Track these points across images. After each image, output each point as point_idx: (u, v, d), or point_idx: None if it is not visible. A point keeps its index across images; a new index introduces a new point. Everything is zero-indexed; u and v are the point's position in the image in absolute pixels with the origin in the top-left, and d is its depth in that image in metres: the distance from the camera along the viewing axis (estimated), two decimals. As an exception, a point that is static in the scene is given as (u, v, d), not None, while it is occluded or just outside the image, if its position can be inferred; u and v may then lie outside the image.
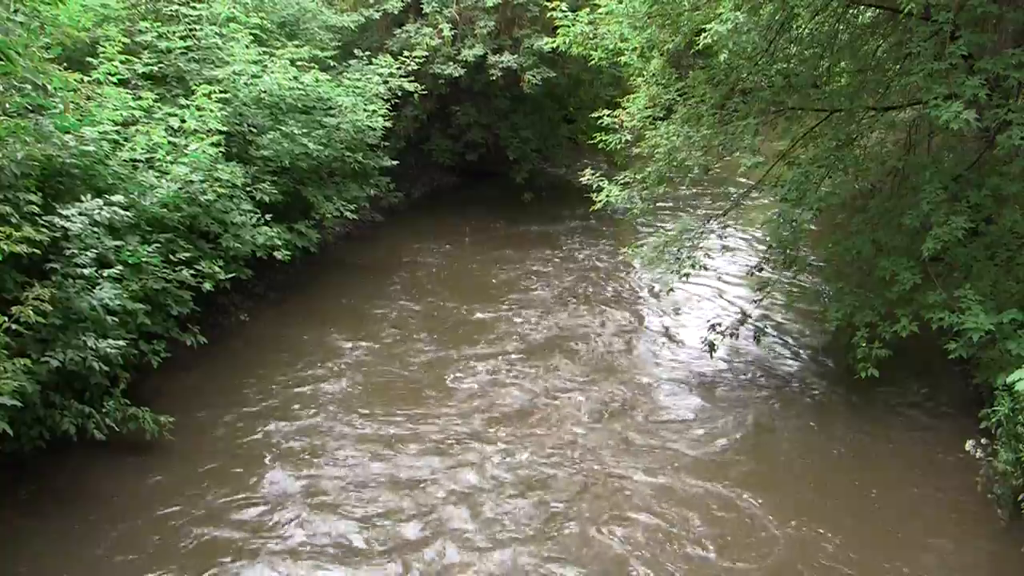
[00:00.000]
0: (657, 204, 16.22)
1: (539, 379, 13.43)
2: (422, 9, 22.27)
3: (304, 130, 15.81)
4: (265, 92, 15.37)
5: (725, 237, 17.74)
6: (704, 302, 16.95)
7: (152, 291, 11.36)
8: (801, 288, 17.35)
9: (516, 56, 21.96)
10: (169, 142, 12.76)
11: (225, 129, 13.81)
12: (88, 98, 11.91)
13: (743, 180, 15.01)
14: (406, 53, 19.75)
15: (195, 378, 12.85)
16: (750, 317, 14.59)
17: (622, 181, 14.25)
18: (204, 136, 13.04)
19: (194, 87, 14.00)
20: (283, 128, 15.43)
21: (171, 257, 11.78)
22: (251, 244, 13.69)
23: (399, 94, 19.36)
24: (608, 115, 14.73)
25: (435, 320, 15.83)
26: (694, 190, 23.84)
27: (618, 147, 14.88)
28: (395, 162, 19.73)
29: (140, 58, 13.84)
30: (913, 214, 11.30)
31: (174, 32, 14.79)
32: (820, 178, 13.16)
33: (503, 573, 9.08)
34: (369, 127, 17.57)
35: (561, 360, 14.10)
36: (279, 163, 15.32)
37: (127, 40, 13.78)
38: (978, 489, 10.23)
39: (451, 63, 21.84)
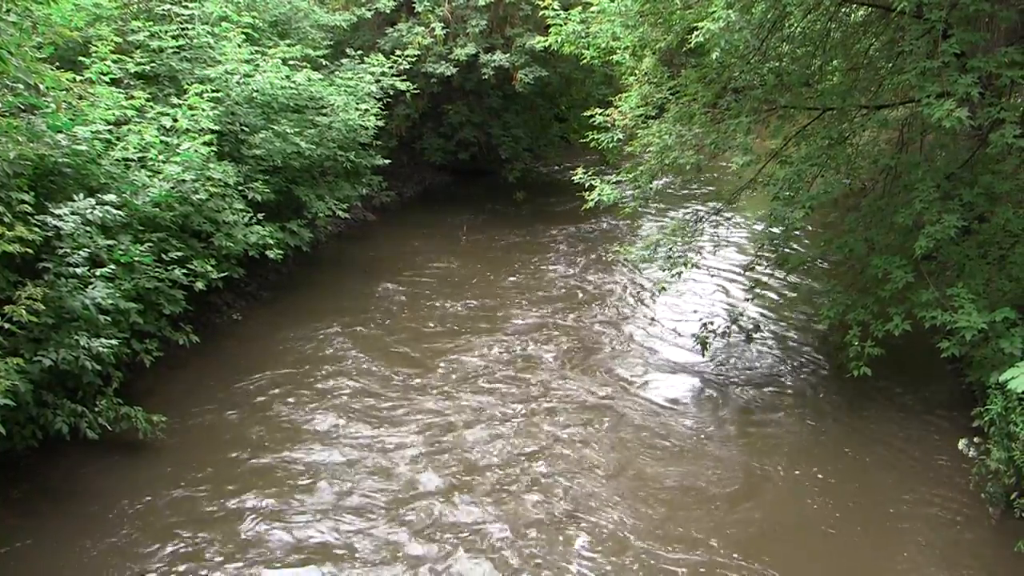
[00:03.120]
0: (650, 202, 16.20)
1: (516, 409, 13.46)
2: (414, 8, 22.32)
3: (296, 129, 15.81)
4: (257, 91, 15.35)
5: (717, 235, 17.74)
6: (696, 300, 16.95)
7: (144, 290, 11.37)
8: (793, 287, 17.39)
9: (508, 55, 22.04)
10: (161, 141, 12.75)
11: (217, 128, 13.78)
12: (80, 97, 11.88)
13: (736, 178, 14.95)
14: (398, 52, 19.82)
15: (187, 377, 12.85)
16: (742, 315, 14.59)
17: (614, 180, 14.24)
18: (196, 135, 13.02)
19: (186, 86, 13.99)
20: (275, 127, 15.42)
21: (163, 256, 11.79)
22: (243, 243, 13.69)
23: (391, 93, 19.42)
24: (600, 114, 14.73)
25: (425, 314, 15.86)
26: (687, 188, 23.87)
27: (610, 146, 14.90)
28: (387, 161, 19.72)
29: (132, 57, 13.83)
30: (906, 212, 11.29)
31: (166, 31, 14.77)
32: (812, 177, 13.18)
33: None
34: (361, 126, 17.59)
35: (549, 366, 14.09)
36: (271, 162, 15.31)
37: (119, 39, 13.77)
38: (970, 487, 10.26)
39: (443, 62, 21.91)
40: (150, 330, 11.70)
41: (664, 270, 14.29)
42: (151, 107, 13.28)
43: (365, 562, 9.10)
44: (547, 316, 16.03)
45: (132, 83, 13.69)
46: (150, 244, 11.61)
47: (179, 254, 11.98)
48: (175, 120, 13.21)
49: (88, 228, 10.64)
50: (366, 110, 17.80)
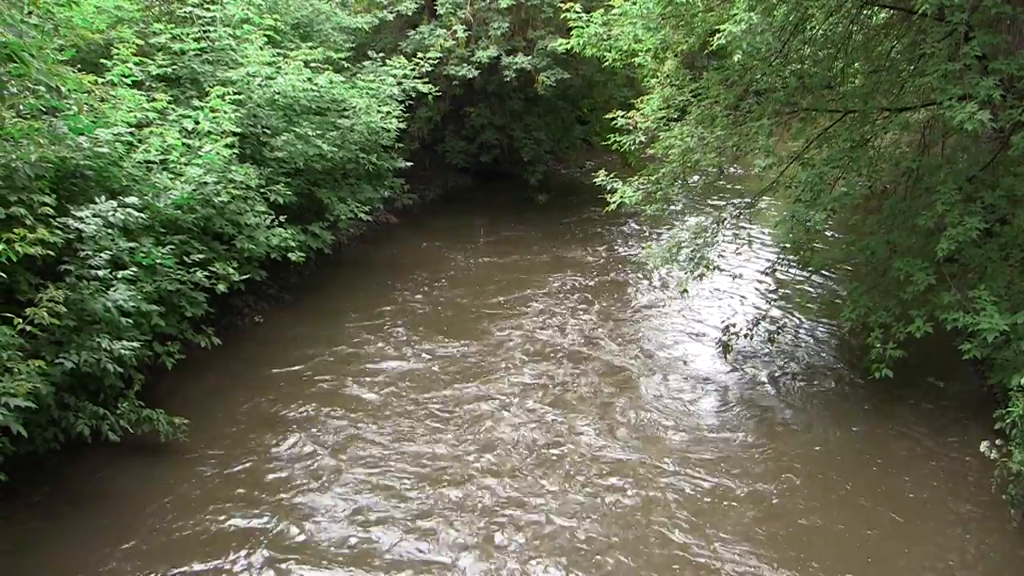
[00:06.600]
0: (672, 204, 16.16)
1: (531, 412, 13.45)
2: (436, 10, 22.34)
3: (318, 131, 15.84)
4: (279, 93, 15.40)
5: (740, 237, 17.69)
6: (718, 301, 16.90)
7: (166, 292, 11.41)
8: (815, 289, 17.32)
9: (530, 57, 22.00)
10: (183, 144, 12.79)
11: (239, 131, 13.85)
12: (102, 100, 11.92)
13: (759, 180, 14.93)
14: (420, 54, 19.79)
15: (209, 380, 12.91)
16: (764, 317, 14.55)
17: (636, 182, 14.22)
18: (218, 138, 13.07)
19: (208, 89, 14.04)
20: (297, 130, 15.45)
21: (185, 259, 11.84)
22: (265, 245, 13.72)
23: (413, 95, 19.40)
24: (622, 116, 14.70)
25: (446, 315, 15.90)
26: (711, 189, 23.80)
27: (632, 148, 14.85)
28: (409, 163, 19.79)
29: (154, 60, 13.90)
30: (927, 215, 11.25)
31: (188, 34, 14.82)
32: (834, 179, 13.12)
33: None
34: (383, 128, 17.59)
35: (566, 371, 14.05)
36: (293, 164, 15.35)
37: (141, 42, 13.82)
38: (992, 490, 10.20)
39: (465, 64, 21.88)
40: (172, 332, 11.74)
41: (686, 272, 14.27)
42: (173, 109, 13.32)
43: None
44: (566, 317, 15.99)
45: (154, 85, 13.73)
46: (172, 246, 11.68)
47: (201, 256, 12.02)
48: (197, 122, 13.26)
49: (110, 230, 10.69)
50: (388, 112, 17.80)
